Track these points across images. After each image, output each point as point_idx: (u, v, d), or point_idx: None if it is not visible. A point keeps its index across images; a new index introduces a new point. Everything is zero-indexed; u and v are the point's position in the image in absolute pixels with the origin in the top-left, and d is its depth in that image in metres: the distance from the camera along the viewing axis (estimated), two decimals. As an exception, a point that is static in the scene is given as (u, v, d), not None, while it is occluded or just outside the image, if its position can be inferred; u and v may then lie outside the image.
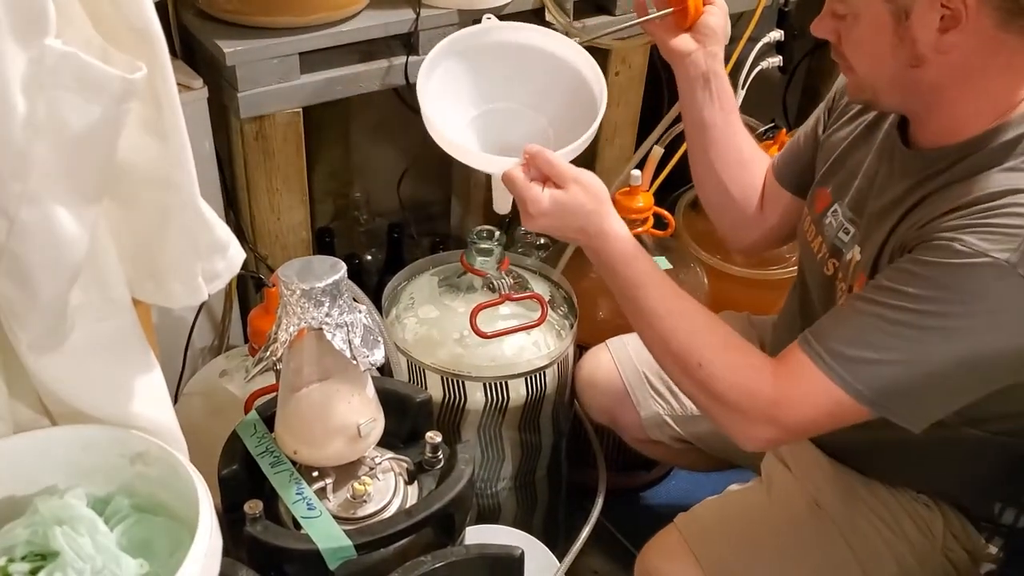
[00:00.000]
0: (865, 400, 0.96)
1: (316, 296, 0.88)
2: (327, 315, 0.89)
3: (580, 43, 1.25)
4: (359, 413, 0.95)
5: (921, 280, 0.93)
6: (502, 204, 1.19)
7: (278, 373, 1.20)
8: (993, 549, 1.19)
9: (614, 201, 1.62)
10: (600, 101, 1.18)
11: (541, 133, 1.24)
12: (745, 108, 1.84)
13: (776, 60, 1.89)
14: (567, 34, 1.49)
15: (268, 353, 0.93)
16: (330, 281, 0.89)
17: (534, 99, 1.26)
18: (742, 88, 1.85)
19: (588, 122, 1.16)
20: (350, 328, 0.90)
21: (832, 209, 1.17)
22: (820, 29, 1.04)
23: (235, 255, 0.77)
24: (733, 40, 1.88)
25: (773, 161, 1.36)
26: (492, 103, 1.28)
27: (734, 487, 1.31)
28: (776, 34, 1.87)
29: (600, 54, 1.75)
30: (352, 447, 0.95)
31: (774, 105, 2.17)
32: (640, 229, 1.64)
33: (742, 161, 1.33)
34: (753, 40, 1.83)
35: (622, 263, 1.09)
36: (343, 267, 0.91)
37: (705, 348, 1.05)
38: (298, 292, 0.88)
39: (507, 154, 1.12)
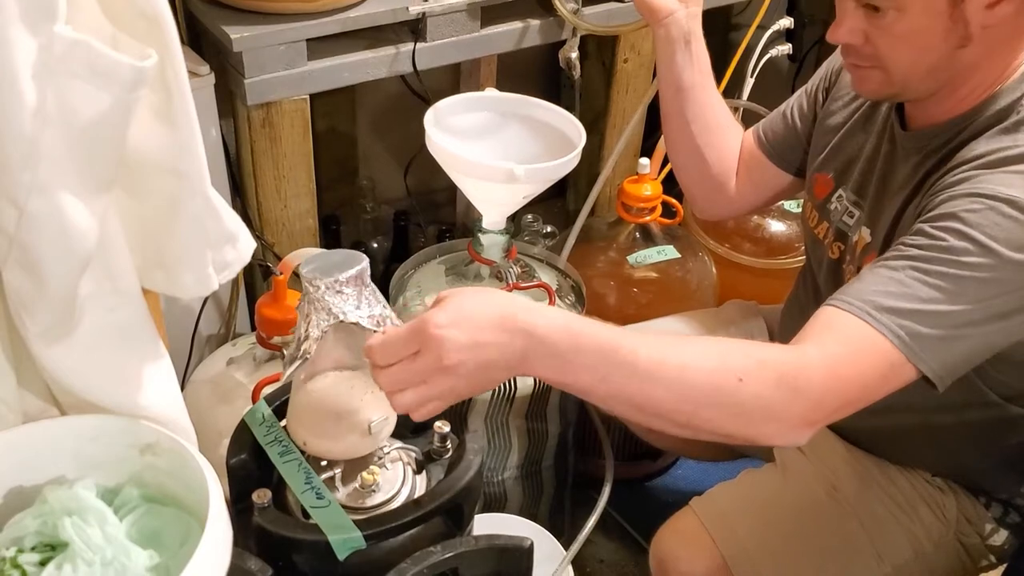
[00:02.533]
0: (915, 356, 0.89)
1: (341, 288, 0.87)
2: (357, 308, 0.88)
3: (584, 31, 1.28)
4: (372, 409, 0.94)
5: (949, 234, 0.92)
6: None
7: (285, 359, 1.20)
8: (1003, 534, 1.19)
9: (621, 190, 1.62)
10: (578, 144, 1.26)
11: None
12: (754, 96, 1.83)
13: (786, 48, 1.89)
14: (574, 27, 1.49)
15: (301, 352, 0.91)
16: (353, 272, 0.87)
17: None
18: (751, 76, 1.84)
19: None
20: (380, 321, 0.89)
21: (836, 195, 1.18)
22: (844, 34, 1.02)
23: (245, 245, 0.77)
24: (743, 28, 1.88)
25: (757, 133, 1.35)
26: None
27: (748, 471, 1.31)
28: (786, 22, 1.87)
29: (608, 41, 1.74)
30: (363, 442, 0.95)
31: (783, 93, 2.14)
32: (648, 218, 1.63)
33: (719, 126, 1.33)
34: (762, 28, 1.82)
35: (581, 339, 0.83)
36: (364, 258, 0.88)
37: (735, 361, 0.87)
38: (323, 287, 0.87)
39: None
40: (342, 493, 0.96)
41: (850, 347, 0.90)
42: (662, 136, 1.55)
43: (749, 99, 1.84)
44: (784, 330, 1.40)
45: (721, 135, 1.33)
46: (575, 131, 1.30)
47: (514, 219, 1.80)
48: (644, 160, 1.60)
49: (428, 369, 0.80)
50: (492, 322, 0.80)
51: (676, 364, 0.84)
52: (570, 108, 1.56)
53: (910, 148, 1.06)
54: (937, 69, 0.99)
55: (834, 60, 1.24)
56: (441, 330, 0.79)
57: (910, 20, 0.96)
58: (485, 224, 1.32)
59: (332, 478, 0.96)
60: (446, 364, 0.79)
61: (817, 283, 1.25)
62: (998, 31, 0.95)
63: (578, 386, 0.84)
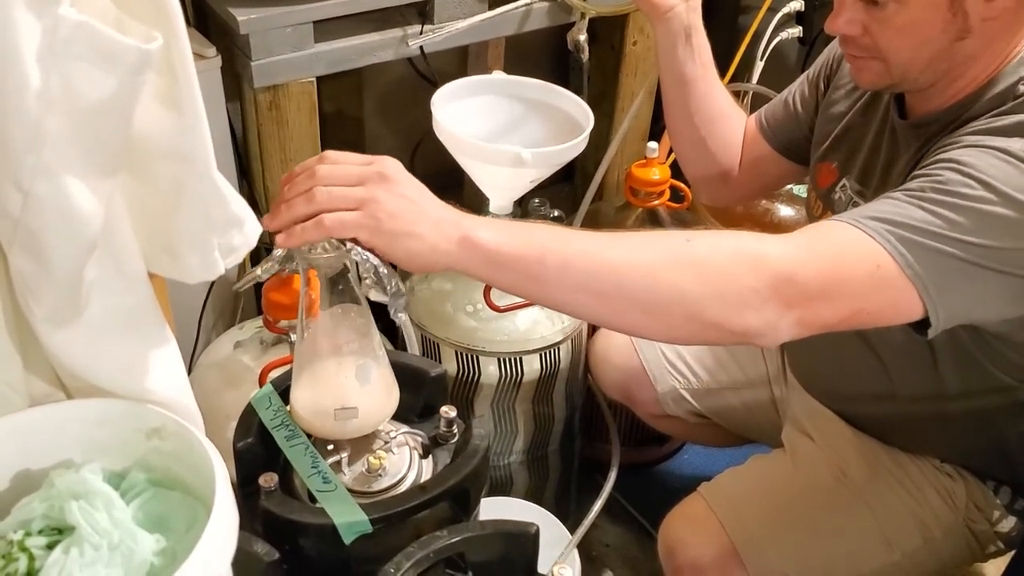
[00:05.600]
0: (911, 270, 0.86)
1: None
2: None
3: (592, 14, 1.27)
4: (347, 396, 0.94)
5: (946, 170, 0.91)
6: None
7: (292, 345, 1.20)
8: (1012, 521, 1.19)
9: (629, 174, 1.61)
10: (586, 127, 1.26)
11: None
12: (764, 79, 1.82)
13: (796, 31, 1.88)
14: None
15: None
16: None
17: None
18: (761, 59, 1.83)
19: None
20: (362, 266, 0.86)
21: (840, 184, 1.18)
22: (842, 25, 1.01)
23: (251, 229, 0.76)
24: (753, 10, 1.86)
25: (759, 119, 1.35)
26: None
27: (757, 457, 1.31)
28: (796, 4, 1.85)
29: (616, 24, 1.73)
30: (341, 426, 0.95)
31: (793, 76, 2.12)
32: (656, 202, 1.62)
33: (722, 115, 1.32)
34: (773, 11, 1.81)
35: (527, 238, 0.82)
36: None
37: (689, 232, 0.88)
38: None
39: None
40: (348, 477, 0.96)
41: (832, 237, 0.88)
42: (667, 124, 1.55)
43: (759, 82, 1.83)
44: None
45: (724, 125, 1.33)
46: (583, 114, 1.30)
47: (521, 203, 1.79)
48: (652, 144, 1.59)
49: (369, 172, 0.79)
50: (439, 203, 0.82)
51: (626, 236, 0.86)
52: (578, 91, 1.55)
53: (910, 137, 1.06)
54: (936, 61, 0.98)
55: (834, 47, 1.24)
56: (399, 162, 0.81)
57: (910, 12, 0.95)
58: (492, 208, 1.32)
59: (339, 462, 0.96)
60: (388, 173, 0.79)
61: None
62: (997, 23, 0.95)
63: (519, 263, 0.81)
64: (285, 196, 0.80)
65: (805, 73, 1.31)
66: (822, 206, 1.22)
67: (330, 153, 0.82)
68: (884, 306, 0.89)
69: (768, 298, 0.83)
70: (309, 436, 0.97)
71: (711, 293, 0.83)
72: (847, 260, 0.87)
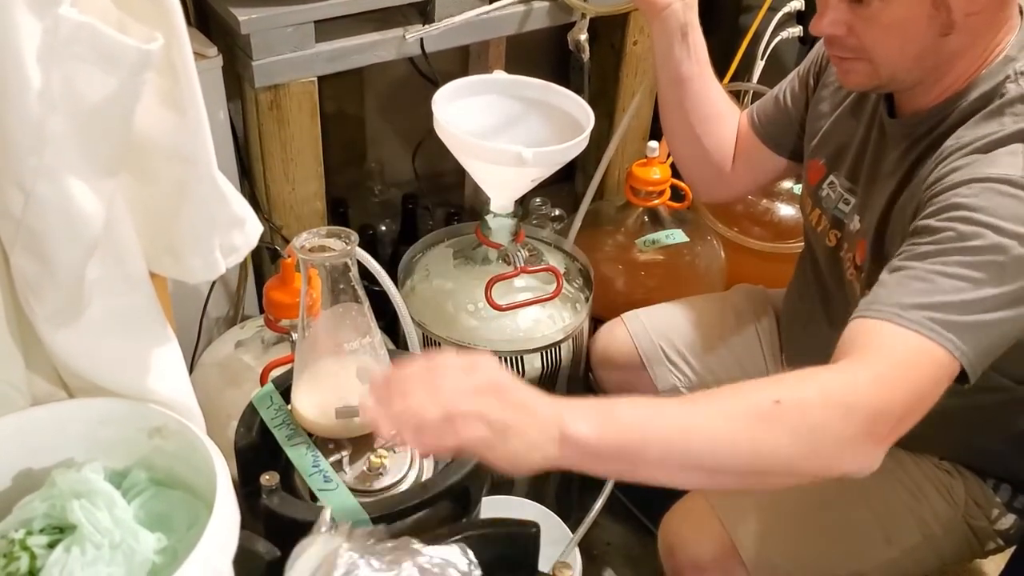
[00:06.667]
0: (956, 348, 0.87)
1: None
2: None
3: (592, 14, 1.27)
4: (349, 394, 0.94)
5: (957, 222, 0.91)
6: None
7: (294, 343, 1.20)
8: (1011, 518, 1.19)
9: (630, 174, 1.62)
10: (586, 127, 1.26)
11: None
12: (764, 79, 1.82)
13: (796, 30, 1.87)
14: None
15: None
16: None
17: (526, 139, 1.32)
18: (761, 59, 1.83)
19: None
20: None
21: (828, 181, 1.18)
22: (826, 26, 1.01)
23: (252, 229, 0.77)
24: (753, 10, 1.86)
25: (751, 115, 1.35)
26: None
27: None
28: (796, 4, 1.85)
29: (617, 23, 1.73)
30: (342, 425, 0.95)
31: (793, 76, 2.14)
32: (657, 201, 1.63)
33: (717, 114, 1.33)
34: (773, 10, 1.81)
35: (622, 427, 0.82)
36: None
37: (769, 387, 0.86)
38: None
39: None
40: (350, 476, 0.96)
41: (891, 354, 0.88)
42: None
43: (759, 82, 1.83)
44: (787, 315, 1.40)
45: (719, 123, 1.33)
46: (583, 114, 1.30)
47: (522, 202, 1.80)
48: (653, 143, 1.59)
49: (483, 382, 0.79)
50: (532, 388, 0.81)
51: (715, 406, 0.84)
52: (579, 91, 1.55)
53: (898, 136, 1.06)
54: (922, 58, 0.99)
55: (821, 49, 1.24)
56: (491, 360, 0.81)
57: (894, 9, 0.96)
58: (493, 207, 1.32)
59: (340, 461, 0.97)
60: (498, 382, 0.79)
61: (819, 269, 1.25)
62: (980, 18, 0.95)
63: (619, 452, 0.82)
64: (418, 415, 0.78)
65: (795, 70, 1.31)
66: (811, 203, 1.22)
67: (437, 362, 0.81)
68: (944, 389, 0.90)
69: (863, 442, 0.85)
70: (310, 435, 0.98)
71: (808, 452, 0.84)
72: (919, 378, 0.88)
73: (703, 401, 0.85)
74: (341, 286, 0.91)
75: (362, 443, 0.98)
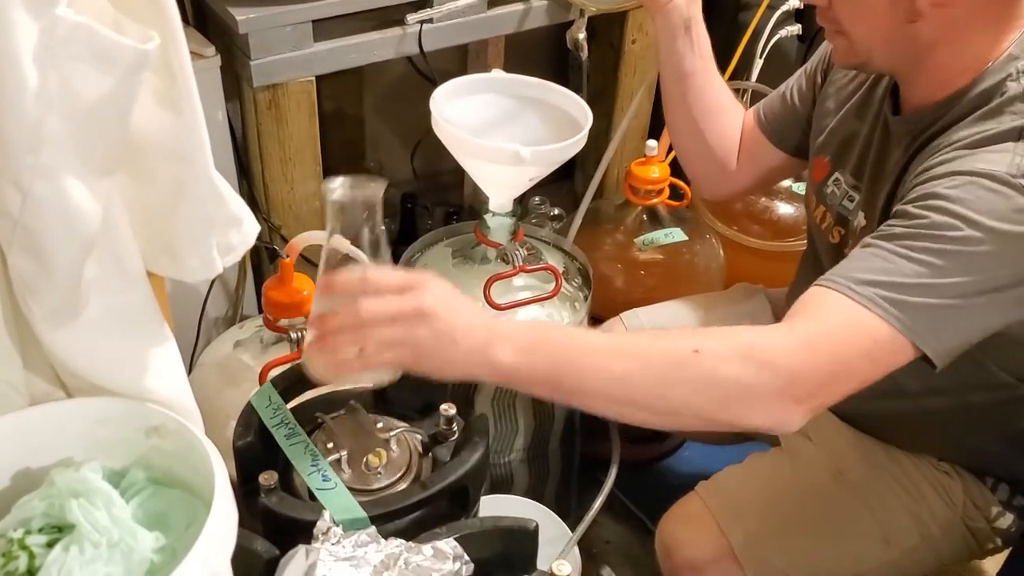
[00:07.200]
0: (905, 328, 0.88)
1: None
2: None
3: (594, 11, 1.26)
4: None
5: (932, 211, 0.91)
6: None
7: (292, 342, 1.21)
8: (1010, 518, 1.19)
9: (629, 173, 1.62)
10: (585, 126, 1.26)
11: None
12: (763, 77, 1.82)
13: (795, 28, 1.87)
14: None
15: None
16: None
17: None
18: (760, 57, 1.83)
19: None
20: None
21: (833, 178, 1.18)
22: None
23: (250, 229, 0.77)
24: (752, 8, 1.86)
25: (757, 113, 1.35)
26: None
27: (755, 456, 1.31)
28: (795, 2, 1.85)
29: (615, 22, 1.73)
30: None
31: (792, 74, 2.14)
32: (656, 200, 1.63)
33: (720, 108, 1.33)
34: (772, 8, 1.81)
35: (548, 345, 0.88)
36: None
37: (694, 337, 0.91)
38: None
39: None
40: (348, 475, 0.96)
41: (826, 320, 0.90)
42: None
43: (758, 80, 1.83)
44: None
45: (722, 118, 1.33)
46: (582, 113, 1.30)
47: (521, 201, 1.79)
48: (652, 142, 1.59)
49: (407, 309, 0.84)
50: (470, 307, 0.88)
51: (634, 345, 0.89)
52: (577, 89, 1.55)
53: (900, 132, 1.06)
54: (893, 42, 0.99)
55: (828, 44, 1.24)
56: (431, 281, 0.86)
57: None
58: (492, 206, 1.32)
59: (338, 460, 0.97)
60: (424, 308, 0.84)
61: (822, 267, 1.24)
62: (955, 12, 0.95)
63: (538, 380, 0.87)
64: (329, 329, 0.86)
65: (803, 67, 1.31)
66: (815, 200, 1.22)
67: (371, 278, 0.86)
68: (887, 366, 0.90)
69: (776, 400, 0.86)
70: (308, 435, 0.98)
71: (718, 403, 0.87)
72: (848, 348, 0.89)
73: (628, 340, 0.90)
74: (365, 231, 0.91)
75: (361, 443, 0.98)
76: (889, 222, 0.94)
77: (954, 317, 0.89)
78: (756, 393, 0.86)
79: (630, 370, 0.87)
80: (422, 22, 1.47)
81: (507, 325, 0.89)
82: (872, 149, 1.11)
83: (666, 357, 0.88)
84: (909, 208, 0.93)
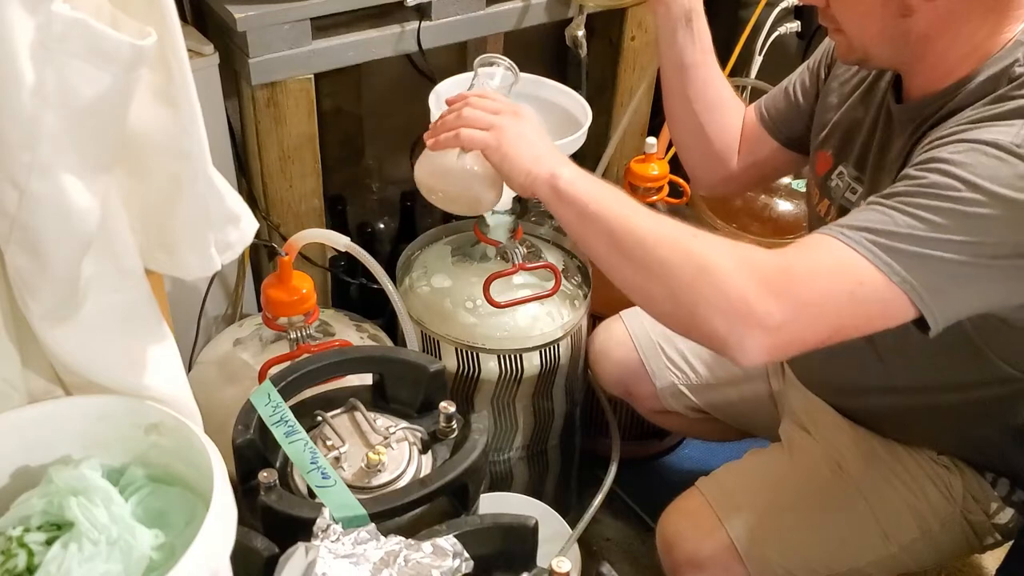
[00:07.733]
0: (898, 277, 0.88)
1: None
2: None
3: (593, 8, 1.26)
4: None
5: (932, 172, 0.91)
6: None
7: (292, 341, 1.20)
8: (1009, 512, 1.19)
9: (628, 170, 1.62)
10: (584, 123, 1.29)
11: None
12: (763, 74, 1.82)
13: (794, 25, 1.87)
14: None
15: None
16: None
17: None
18: (760, 54, 1.83)
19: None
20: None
21: (837, 171, 1.18)
22: None
23: (248, 226, 0.77)
24: (751, 5, 1.86)
25: (759, 108, 1.35)
26: None
27: (754, 451, 1.31)
28: (794, -2, 1.85)
29: (614, 19, 1.73)
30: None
31: (792, 71, 2.14)
32: (655, 197, 1.62)
33: (720, 103, 1.32)
34: (771, 5, 1.81)
35: (599, 189, 0.99)
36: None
37: (694, 230, 0.96)
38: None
39: None
40: (348, 473, 0.96)
41: (814, 255, 0.91)
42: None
43: (757, 77, 1.83)
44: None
45: (723, 112, 1.33)
46: (581, 110, 1.29)
47: (520, 199, 1.79)
48: (651, 139, 1.59)
49: (505, 107, 1.05)
50: (534, 145, 1.03)
51: (658, 216, 0.97)
52: (576, 87, 1.55)
53: (904, 120, 1.06)
54: (888, 37, 0.99)
55: (830, 41, 1.24)
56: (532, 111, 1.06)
57: None
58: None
59: (338, 458, 0.97)
60: (518, 112, 1.05)
61: None
62: (946, 4, 0.95)
63: (580, 203, 0.98)
64: (442, 117, 1.06)
65: (806, 63, 1.30)
66: (819, 194, 1.22)
67: (485, 90, 1.10)
68: (873, 317, 0.91)
69: (739, 305, 0.88)
70: (309, 430, 0.98)
71: (691, 281, 0.90)
72: (830, 283, 0.90)
73: (649, 212, 0.98)
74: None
75: (360, 440, 0.98)
76: (893, 185, 0.94)
77: (948, 275, 0.89)
78: (727, 285, 0.89)
79: (643, 226, 0.94)
80: (420, 19, 1.47)
81: (565, 157, 1.03)
82: (875, 138, 1.11)
83: (673, 226, 0.95)
84: (911, 171, 0.93)
